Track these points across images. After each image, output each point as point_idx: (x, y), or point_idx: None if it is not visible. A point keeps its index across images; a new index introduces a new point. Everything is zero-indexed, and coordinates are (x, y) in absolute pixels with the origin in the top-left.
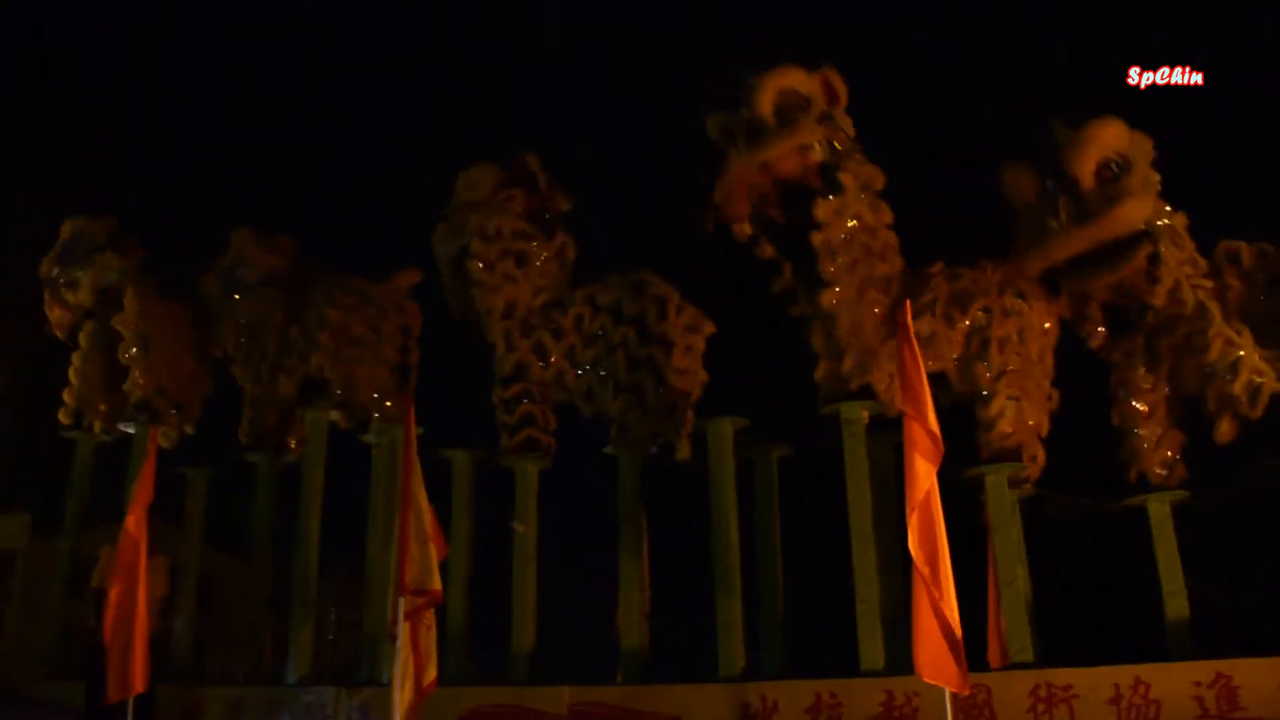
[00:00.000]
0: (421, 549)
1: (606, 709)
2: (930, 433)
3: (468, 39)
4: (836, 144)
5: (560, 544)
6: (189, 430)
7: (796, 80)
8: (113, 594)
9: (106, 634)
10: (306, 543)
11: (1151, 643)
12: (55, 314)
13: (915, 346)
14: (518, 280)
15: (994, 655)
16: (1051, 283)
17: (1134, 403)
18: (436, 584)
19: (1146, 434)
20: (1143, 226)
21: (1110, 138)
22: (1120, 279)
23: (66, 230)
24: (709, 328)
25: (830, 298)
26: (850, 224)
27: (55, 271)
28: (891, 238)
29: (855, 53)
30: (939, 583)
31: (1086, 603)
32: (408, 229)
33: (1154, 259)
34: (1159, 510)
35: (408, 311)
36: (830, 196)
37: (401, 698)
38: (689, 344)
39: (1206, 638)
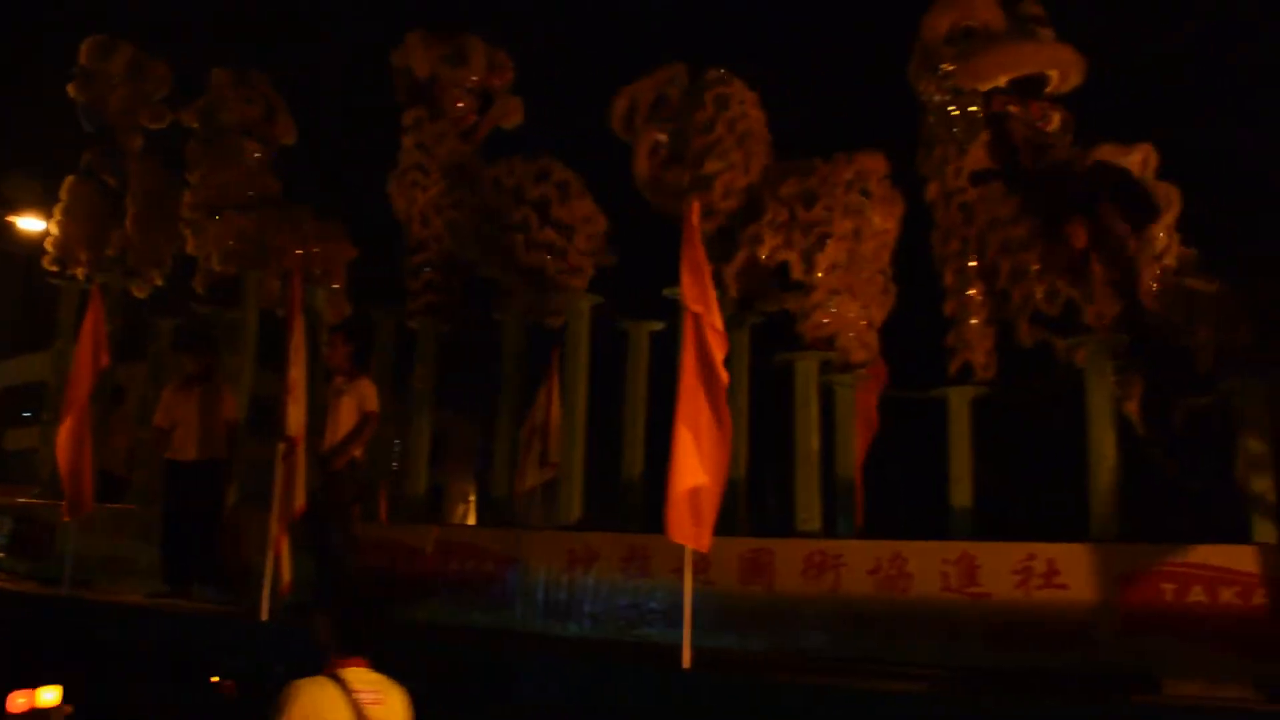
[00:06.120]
0: (292, 402)
1: (464, 547)
2: (718, 331)
3: None
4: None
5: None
6: (159, 283)
7: None
8: (65, 424)
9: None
10: (242, 391)
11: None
12: None
13: (700, 247)
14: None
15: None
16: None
17: (969, 291)
18: (296, 431)
19: (977, 324)
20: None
21: None
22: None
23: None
24: (601, 222)
25: None
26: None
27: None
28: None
29: None
30: (701, 442)
31: (886, 484)
32: None
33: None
34: (958, 401)
35: None
36: None
37: (275, 524)
38: (589, 234)
39: (990, 525)
